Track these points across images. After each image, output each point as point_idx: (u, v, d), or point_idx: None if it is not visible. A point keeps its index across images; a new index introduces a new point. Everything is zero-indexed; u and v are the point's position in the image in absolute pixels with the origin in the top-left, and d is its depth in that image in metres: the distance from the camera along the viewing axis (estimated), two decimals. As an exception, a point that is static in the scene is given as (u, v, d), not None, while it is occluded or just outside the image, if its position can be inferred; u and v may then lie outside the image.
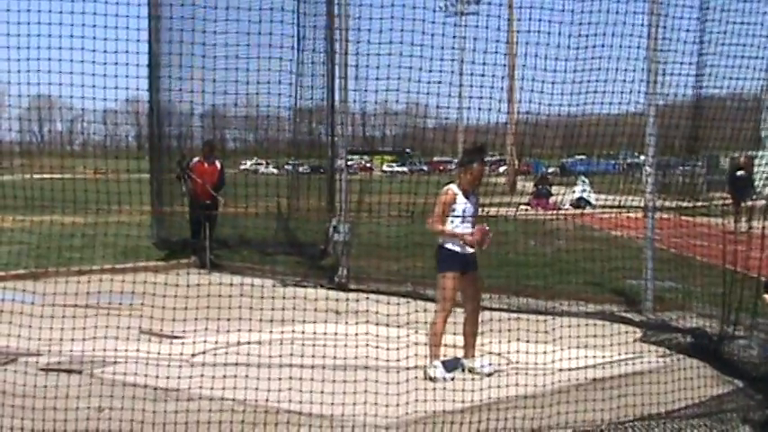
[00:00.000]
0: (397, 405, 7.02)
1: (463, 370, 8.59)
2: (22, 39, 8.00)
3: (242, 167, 24.63)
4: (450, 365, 8.54)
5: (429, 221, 8.48)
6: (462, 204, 8.43)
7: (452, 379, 8.20)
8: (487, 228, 8.43)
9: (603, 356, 8.68)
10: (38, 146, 16.10)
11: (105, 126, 14.33)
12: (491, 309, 10.82)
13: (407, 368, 7.80)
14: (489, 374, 8.31)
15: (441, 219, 8.41)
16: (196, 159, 16.97)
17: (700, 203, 11.69)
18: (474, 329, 8.58)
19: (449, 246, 8.43)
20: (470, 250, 8.47)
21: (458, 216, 8.40)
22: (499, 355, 8.88)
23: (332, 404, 7.01)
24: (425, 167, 28.07)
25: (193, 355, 8.75)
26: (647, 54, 11.30)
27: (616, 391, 7.71)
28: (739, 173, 22.87)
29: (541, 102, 10.06)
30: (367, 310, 8.83)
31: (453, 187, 8.53)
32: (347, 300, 9.84)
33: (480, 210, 8.82)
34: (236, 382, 7.34)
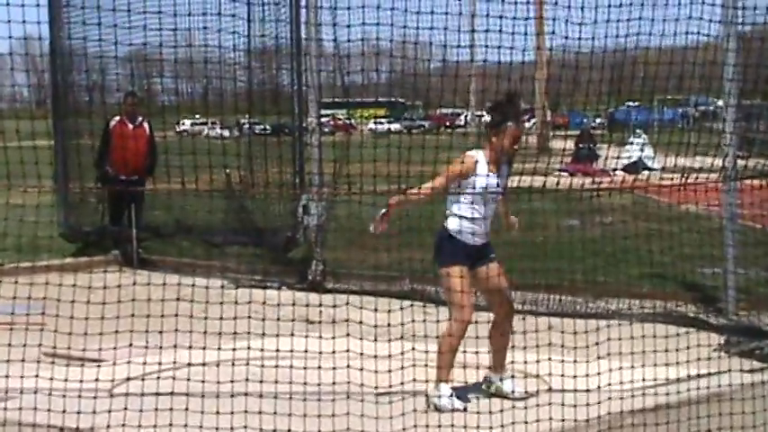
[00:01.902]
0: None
1: (488, 388, 8.64)
2: None
3: (180, 129, 24.61)
4: (463, 391, 8.52)
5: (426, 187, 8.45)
6: (484, 179, 8.40)
7: (465, 409, 8.17)
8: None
9: (670, 373, 8.66)
10: None
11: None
12: (518, 311, 10.80)
13: (404, 396, 7.75)
14: (522, 399, 8.33)
15: (438, 187, 8.38)
16: (116, 119, 16.89)
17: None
18: (505, 340, 8.63)
19: (454, 233, 8.42)
20: (479, 241, 8.47)
21: (469, 197, 8.36)
22: (528, 375, 8.86)
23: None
24: (426, 123, 28.07)
25: (114, 384, 8.71)
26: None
27: (688, 420, 7.69)
28: None
29: (581, 33, 10.05)
30: (348, 319, 8.80)
31: (477, 155, 8.47)
32: (321, 304, 9.78)
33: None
34: (171, 418, 7.31)
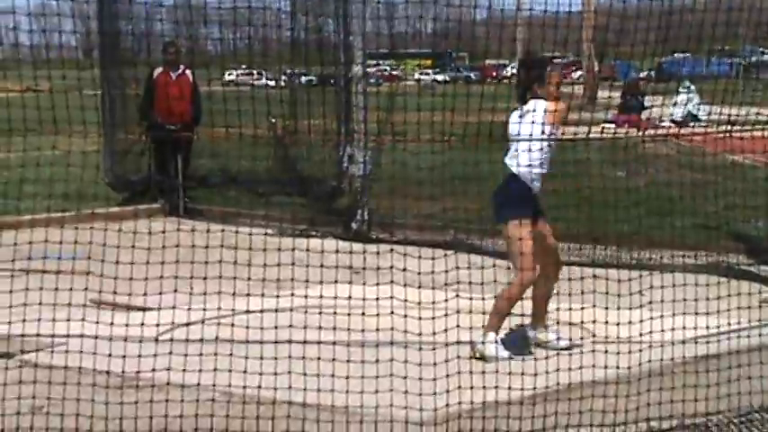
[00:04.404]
0: (435, 394, 6.99)
1: (530, 342, 8.64)
2: None
3: (227, 79, 24.66)
4: (510, 340, 8.56)
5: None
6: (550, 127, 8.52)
7: (511, 358, 8.20)
8: None
9: (716, 325, 8.61)
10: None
11: (38, 25, 14.27)
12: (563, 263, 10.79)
13: (448, 344, 7.77)
14: (566, 349, 8.32)
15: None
16: (159, 70, 16.96)
17: None
18: (549, 293, 8.67)
19: (524, 178, 8.45)
20: (538, 186, 8.54)
21: (538, 144, 8.40)
22: (574, 324, 8.85)
23: (346, 392, 7.00)
24: (473, 74, 27.93)
25: (159, 330, 8.77)
26: None
27: (734, 371, 7.65)
28: None
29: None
30: (392, 266, 8.81)
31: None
32: (365, 253, 9.80)
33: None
34: (216, 364, 7.34)
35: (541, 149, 8.43)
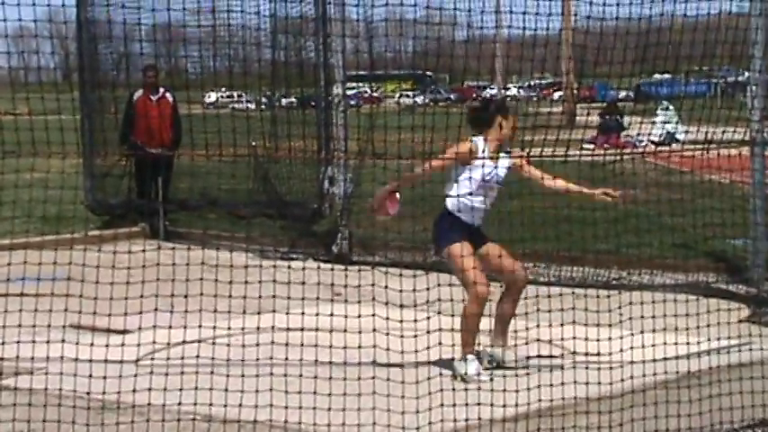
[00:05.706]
0: (417, 412, 7.01)
1: (494, 364, 8.63)
2: None
3: (207, 101, 24.67)
4: (489, 360, 8.55)
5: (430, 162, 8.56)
6: (489, 168, 8.48)
7: (491, 379, 8.20)
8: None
9: (695, 343, 8.66)
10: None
11: (18, 51, 14.27)
12: (542, 282, 10.80)
13: (429, 363, 7.77)
14: (524, 367, 8.27)
15: (436, 167, 8.51)
16: (139, 93, 16.96)
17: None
18: (513, 309, 8.62)
19: (453, 211, 8.53)
20: (477, 222, 8.60)
21: (473, 180, 8.42)
22: (554, 342, 8.85)
23: (328, 411, 7.01)
24: (453, 96, 27.97)
25: (140, 354, 8.74)
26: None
27: (709, 389, 7.67)
28: None
29: (608, 2, 10.01)
30: (373, 283, 8.83)
31: (478, 142, 8.55)
32: (347, 270, 9.82)
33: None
34: (197, 386, 7.34)
35: (470, 191, 8.46)
